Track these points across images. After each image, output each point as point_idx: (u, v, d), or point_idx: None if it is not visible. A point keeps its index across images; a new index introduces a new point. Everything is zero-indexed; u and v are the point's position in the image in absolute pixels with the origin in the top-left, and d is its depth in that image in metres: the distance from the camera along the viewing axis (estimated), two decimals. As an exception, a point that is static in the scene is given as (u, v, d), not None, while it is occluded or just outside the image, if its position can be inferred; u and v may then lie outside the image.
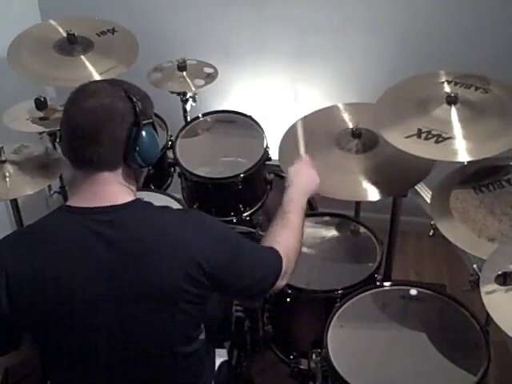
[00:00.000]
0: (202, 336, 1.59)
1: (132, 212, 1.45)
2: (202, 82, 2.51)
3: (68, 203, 1.47)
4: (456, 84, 2.01)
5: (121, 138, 1.42)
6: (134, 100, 1.43)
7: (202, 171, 2.32)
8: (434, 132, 1.85)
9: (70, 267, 1.39)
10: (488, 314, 1.47)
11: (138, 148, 1.44)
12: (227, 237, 1.52)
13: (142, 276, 1.39)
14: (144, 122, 1.44)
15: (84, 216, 1.42)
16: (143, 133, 1.44)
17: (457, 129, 1.86)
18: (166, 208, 1.50)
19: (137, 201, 1.48)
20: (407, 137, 1.86)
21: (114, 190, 1.45)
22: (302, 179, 1.83)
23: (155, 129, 1.52)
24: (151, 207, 1.48)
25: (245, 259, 1.52)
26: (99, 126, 1.40)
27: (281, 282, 1.59)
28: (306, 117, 2.22)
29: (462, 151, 1.81)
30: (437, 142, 1.83)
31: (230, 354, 1.92)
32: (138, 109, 1.43)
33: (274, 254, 1.58)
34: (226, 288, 1.52)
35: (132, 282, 1.39)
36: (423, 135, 1.85)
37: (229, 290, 1.53)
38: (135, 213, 1.45)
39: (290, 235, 1.67)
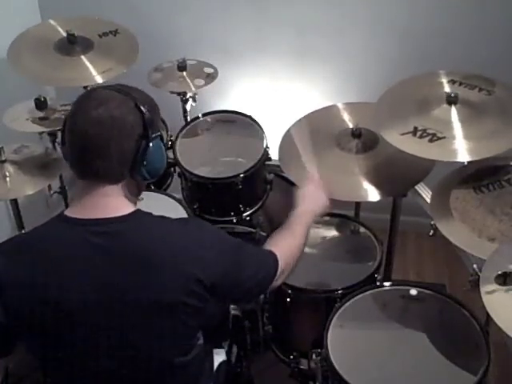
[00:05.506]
0: (201, 341, 1.58)
1: (132, 224, 1.42)
2: (202, 81, 2.51)
3: (66, 213, 1.43)
4: (460, 84, 2.01)
5: (129, 151, 1.39)
6: (144, 111, 1.39)
7: (202, 171, 2.32)
8: (429, 131, 1.86)
9: (68, 278, 1.37)
10: (488, 314, 1.47)
11: (145, 162, 1.41)
12: (227, 247, 1.51)
13: (142, 289, 1.37)
14: (153, 136, 1.41)
15: (83, 227, 1.39)
16: (151, 146, 1.41)
17: (452, 129, 1.86)
18: (166, 219, 1.47)
19: (137, 212, 1.45)
20: (402, 134, 1.87)
21: (115, 202, 1.42)
22: (310, 204, 1.82)
23: (163, 141, 1.48)
24: (151, 218, 1.45)
25: (245, 267, 1.51)
26: (108, 139, 1.36)
27: (275, 283, 1.60)
28: (300, 126, 2.19)
29: (453, 152, 1.81)
30: (431, 141, 1.84)
31: (228, 353, 1.91)
32: (147, 121, 1.39)
33: (271, 257, 1.58)
34: (227, 296, 1.52)
35: (132, 294, 1.37)
36: (418, 133, 1.86)
37: (229, 297, 1.54)
38: (135, 225, 1.42)
39: (291, 241, 1.68)
